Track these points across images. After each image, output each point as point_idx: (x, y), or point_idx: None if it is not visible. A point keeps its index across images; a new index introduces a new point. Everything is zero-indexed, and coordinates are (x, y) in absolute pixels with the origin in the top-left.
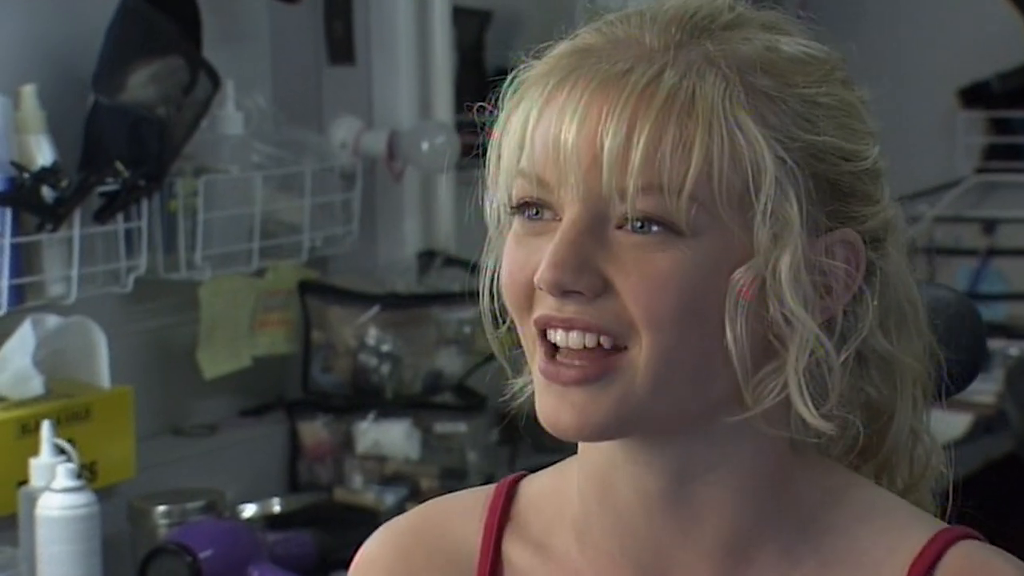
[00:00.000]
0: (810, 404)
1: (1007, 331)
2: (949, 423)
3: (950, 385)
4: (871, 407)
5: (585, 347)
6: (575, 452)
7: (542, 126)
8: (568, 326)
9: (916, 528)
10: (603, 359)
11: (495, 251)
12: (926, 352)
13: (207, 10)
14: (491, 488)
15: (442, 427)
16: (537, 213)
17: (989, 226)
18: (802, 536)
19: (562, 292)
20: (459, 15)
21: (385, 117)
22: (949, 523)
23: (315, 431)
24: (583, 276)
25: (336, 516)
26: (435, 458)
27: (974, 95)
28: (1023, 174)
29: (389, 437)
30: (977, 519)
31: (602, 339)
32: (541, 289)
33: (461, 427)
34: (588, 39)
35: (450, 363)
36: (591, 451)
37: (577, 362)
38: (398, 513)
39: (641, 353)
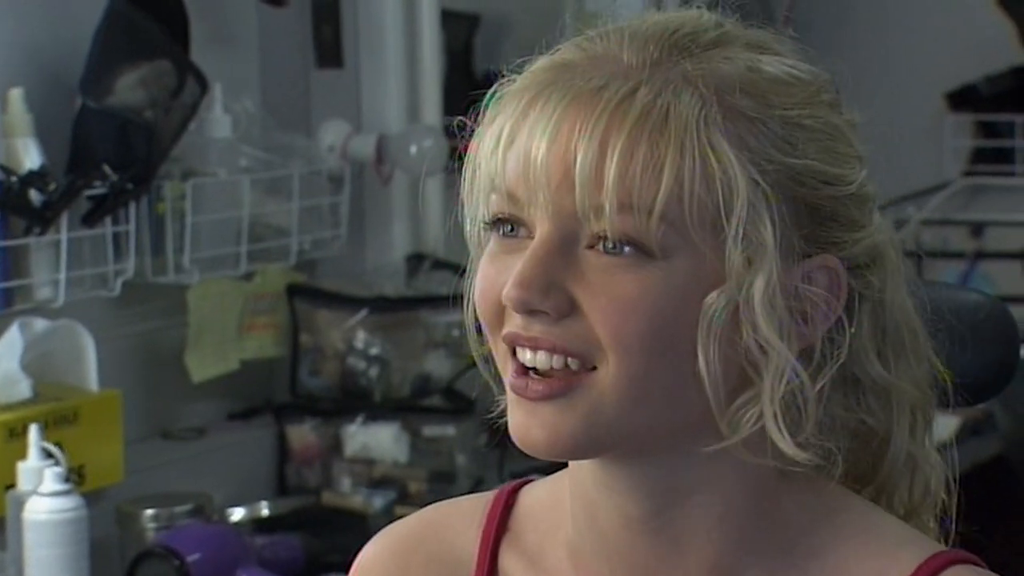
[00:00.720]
0: (786, 434)
1: None
2: (938, 425)
3: (980, 390)
4: (867, 433)
5: (552, 368)
6: None
7: (515, 142)
8: (534, 345)
9: (908, 551)
10: (570, 377)
11: (476, 270)
12: (926, 378)
13: (195, 13)
14: (491, 496)
15: (431, 430)
16: (512, 230)
17: (977, 229)
18: (789, 559)
19: (527, 311)
20: (447, 19)
21: (373, 121)
22: (953, 544)
23: (303, 434)
24: (549, 296)
25: (324, 520)
26: (424, 461)
27: (962, 98)
28: (1011, 177)
29: (377, 440)
30: (978, 541)
31: (569, 361)
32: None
33: (450, 430)
34: (567, 55)
35: (438, 366)
36: (579, 474)
37: (545, 378)
38: (386, 517)
39: (609, 374)
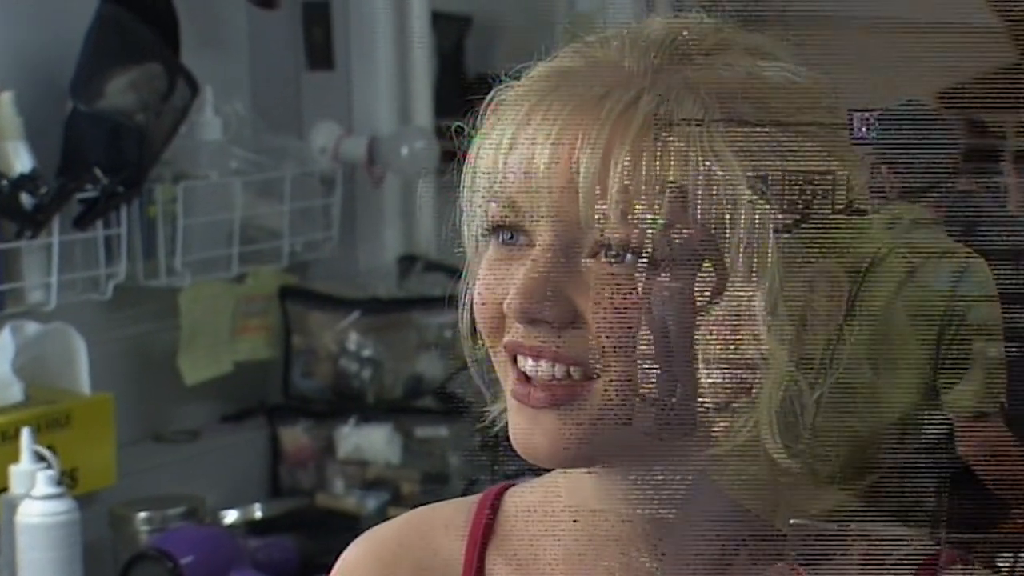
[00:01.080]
0: (779, 442)
1: None
2: (932, 425)
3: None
4: (857, 439)
5: (554, 377)
6: None
7: (516, 150)
8: (536, 354)
9: (904, 552)
10: (572, 385)
11: (473, 276)
12: (917, 385)
13: (185, 16)
14: (475, 499)
15: (423, 431)
16: (512, 237)
17: (969, 229)
18: (787, 562)
19: (529, 321)
20: (438, 20)
21: (364, 122)
22: (947, 545)
23: (296, 436)
24: (551, 306)
25: (317, 521)
26: (416, 463)
27: (953, 98)
28: (1002, 176)
29: (370, 442)
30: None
31: (572, 370)
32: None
33: (442, 431)
34: (567, 61)
35: (431, 367)
36: (577, 480)
37: (547, 386)
38: (379, 518)
39: (612, 383)
